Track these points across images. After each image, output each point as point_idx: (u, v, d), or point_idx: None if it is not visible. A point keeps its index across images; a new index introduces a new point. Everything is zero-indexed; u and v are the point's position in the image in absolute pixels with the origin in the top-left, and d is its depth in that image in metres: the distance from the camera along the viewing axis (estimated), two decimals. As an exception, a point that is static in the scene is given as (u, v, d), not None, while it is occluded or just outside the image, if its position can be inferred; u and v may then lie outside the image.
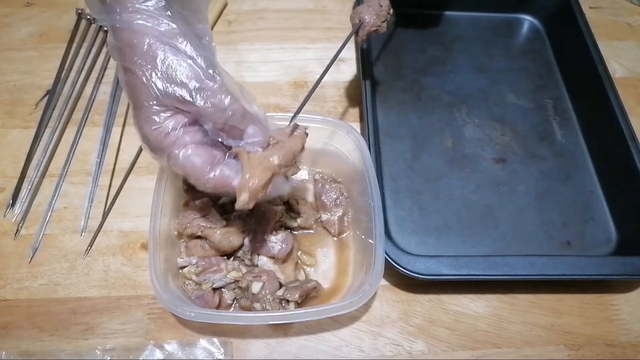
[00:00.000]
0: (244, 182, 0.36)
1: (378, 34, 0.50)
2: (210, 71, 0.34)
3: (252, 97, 0.37)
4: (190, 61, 0.34)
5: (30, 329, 0.45)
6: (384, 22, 0.48)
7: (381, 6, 0.49)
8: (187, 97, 0.34)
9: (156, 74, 0.34)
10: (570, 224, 0.54)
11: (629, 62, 0.69)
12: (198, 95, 0.34)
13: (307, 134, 0.40)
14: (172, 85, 0.34)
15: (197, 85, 0.34)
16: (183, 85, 0.34)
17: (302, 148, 0.39)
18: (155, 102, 0.34)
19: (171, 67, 0.34)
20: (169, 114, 0.35)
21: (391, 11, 0.49)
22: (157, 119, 0.35)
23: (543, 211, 0.55)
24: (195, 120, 0.36)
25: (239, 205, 0.36)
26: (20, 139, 0.56)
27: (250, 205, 0.36)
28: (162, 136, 0.35)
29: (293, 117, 0.43)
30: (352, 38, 0.50)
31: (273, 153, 0.37)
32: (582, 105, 0.62)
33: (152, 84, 0.34)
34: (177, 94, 0.34)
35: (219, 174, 0.36)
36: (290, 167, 0.39)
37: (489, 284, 0.49)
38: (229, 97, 0.35)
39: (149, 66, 0.34)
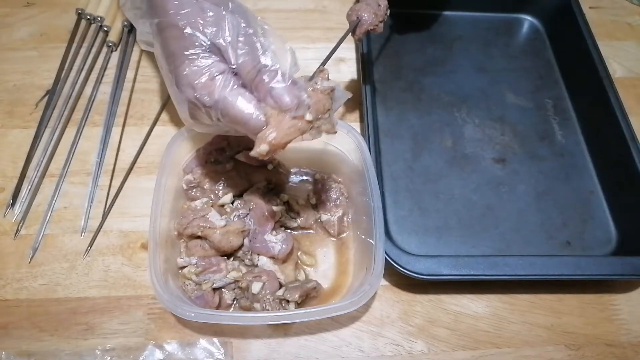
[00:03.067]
0: (266, 134, 0.36)
1: (375, 33, 0.50)
2: (244, 24, 0.37)
3: (292, 61, 0.38)
4: (229, 16, 0.37)
5: (30, 329, 0.45)
6: (381, 21, 0.48)
7: (379, 5, 0.48)
8: (224, 44, 0.36)
9: (200, 24, 0.37)
10: (570, 224, 0.54)
11: (629, 62, 0.69)
12: (234, 43, 0.36)
13: (333, 89, 0.39)
14: (214, 33, 0.37)
15: (235, 34, 0.37)
16: (222, 32, 0.36)
17: (330, 105, 0.39)
18: (199, 51, 0.36)
19: (212, 18, 0.37)
20: (212, 61, 0.36)
21: (388, 12, 0.49)
22: (201, 65, 0.36)
23: (543, 211, 0.55)
24: (235, 73, 0.37)
25: (254, 152, 0.36)
26: (20, 139, 0.56)
27: (267, 157, 0.36)
28: (209, 81, 0.36)
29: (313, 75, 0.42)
30: (351, 37, 0.50)
31: (300, 112, 0.36)
32: (582, 105, 0.62)
33: (197, 33, 0.36)
34: (217, 41, 0.36)
35: (262, 117, 0.36)
36: (321, 123, 0.38)
37: (489, 284, 0.49)
38: (261, 49, 0.36)
39: (192, 18, 0.37)
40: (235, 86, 0.36)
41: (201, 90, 0.36)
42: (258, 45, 0.37)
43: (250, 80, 0.37)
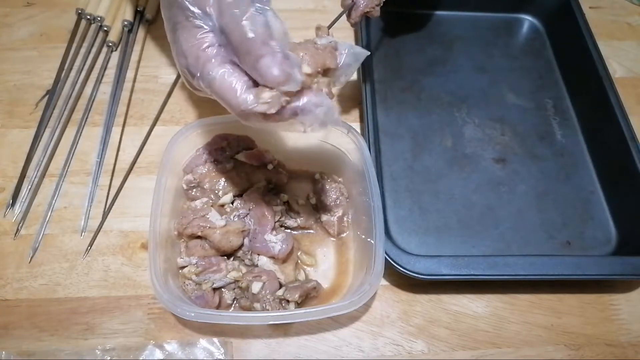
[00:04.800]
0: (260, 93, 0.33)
1: (371, 17, 0.48)
2: None
3: (282, 31, 0.35)
4: None
5: (30, 329, 0.45)
6: (378, 5, 0.46)
7: None
8: (211, 11, 0.35)
9: None
10: (570, 224, 0.54)
11: (629, 62, 0.69)
12: (223, 11, 0.35)
13: (335, 47, 0.37)
14: (204, 4, 0.35)
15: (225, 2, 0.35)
16: (212, 2, 0.35)
17: (334, 64, 0.36)
18: (194, 21, 0.35)
19: None
20: (205, 31, 0.35)
21: None
22: (195, 34, 0.35)
23: (543, 211, 0.55)
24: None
25: (260, 107, 0.33)
26: (20, 139, 0.56)
27: (272, 110, 0.32)
28: (199, 51, 0.35)
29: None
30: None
31: (289, 88, 0.32)
32: (582, 105, 0.62)
33: (189, 3, 0.35)
34: (207, 9, 0.35)
35: (250, 97, 0.34)
36: (322, 83, 0.35)
37: (489, 284, 0.49)
38: (250, 11, 0.34)
39: None
40: (226, 60, 0.35)
41: (190, 61, 0.36)
42: (249, 13, 0.34)
43: (237, 53, 0.34)
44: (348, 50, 0.37)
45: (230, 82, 0.34)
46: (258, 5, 0.34)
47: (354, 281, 0.47)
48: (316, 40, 0.36)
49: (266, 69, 0.32)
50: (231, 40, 0.34)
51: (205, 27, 0.35)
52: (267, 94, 0.32)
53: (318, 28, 0.39)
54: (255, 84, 0.34)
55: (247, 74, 0.34)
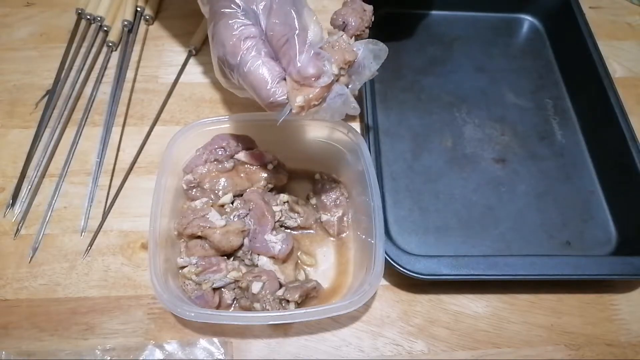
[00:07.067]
0: (294, 94, 0.36)
1: (360, 39, 0.48)
2: None
3: (318, 32, 0.38)
4: None
5: (30, 329, 0.45)
6: (367, 27, 0.46)
7: (365, 10, 0.46)
8: (257, 10, 0.37)
9: None
10: (570, 224, 0.54)
11: (629, 62, 0.69)
12: (268, 10, 0.37)
13: (350, 44, 0.39)
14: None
15: (269, 1, 0.37)
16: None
17: (353, 57, 0.38)
18: (235, 11, 0.37)
19: None
20: (245, 24, 0.37)
21: (373, 18, 0.46)
22: (235, 25, 0.37)
23: (543, 211, 0.55)
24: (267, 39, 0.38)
25: (294, 110, 0.37)
26: (20, 139, 0.56)
27: (302, 114, 0.37)
28: (239, 42, 0.37)
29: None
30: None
31: (322, 83, 0.36)
32: (582, 105, 0.62)
33: None
34: (252, 7, 0.37)
35: (280, 89, 0.37)
36: (342, 75, 0.38)
37: (489, 284, 0.49)
38: (293, 18, 0.37)
39: None
40: (262, 53, 0.37)
41: (228, 49, 0.37)
42: (291, 14, 0.37)
43: (278, 48, 0.37)
44: (365, 46, 0.39)
45: (263, 74, 0.37)
46: (298, 6, 0.37)
47: (354, 281, 0.47)
48: (328, 39, 0.39)
49: (303, 67, 0.36)
50: (274, 40, 0.37)
51: (246, 19, 0.37)
52: (300, 98, 0.36)
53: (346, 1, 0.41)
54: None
55: (280, 66, 0.37)
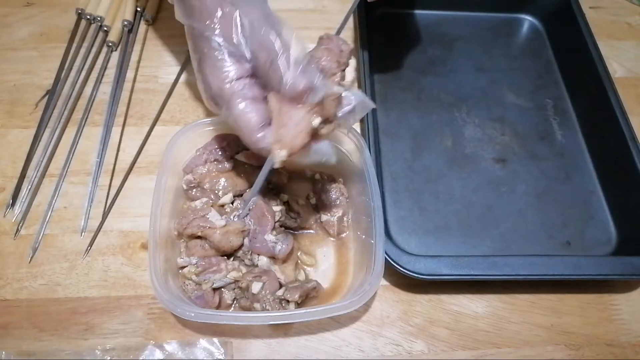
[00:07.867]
0: (277, 134, 0.36)
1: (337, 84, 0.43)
2: (256, 17, 0.37)
3: (302, 49, 0.38)
4: (242, 11, 0.37)
5: (30, 329, 0.45)
6: (343, 70, 0.41)
7: (342, 51, 0.41)
8: (237, 42, 0.37)
9: (214, 24, 0.37)
10: (570, 224, 0.54)
11: (629, 62, 0.69)
12: (248, 39, 0.37)
13: (340, 95, 0.39)
14: (228, 31, 0.37)
15: (248, 29, 0.37)
16: (236, 30, 0.37)
17: (335, 109, 0.38)
18: (218, 52, 0.37)
19: (232, 19, 0.37)
20: (231, 63, 0.37)
21: (352, 59, 0.43)
22: (220, 67, 0.37)
23: (543, 211, 0.55)
24: (254, 74, 0.38)
25: (276, 164, 0.37)
26: (20, 139, 0.56)
27: (285, 158, 0.37)
28: (223, 84, 0.37)
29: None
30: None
31: (312, 100, 0.36)
32: (582, 105, 0.62)
33: (215, 35, 0.37)
34: (233, 39, 0.37)
35: (267, 137, 0.37)
36: (327, 129, 0.38)
37: (489, 284, 0.49)
38: (274, 36, 0.36)
39: (207, 19, 0.37)
40: (249, 96, 0.38)
41: (215, 92, 0.38)
42: (271, 37, 0.37)
43: (265, 72, 0.37)
44: (358, 96, 0.39)
45: (249, 120, 0.37)
46: (276, 27, 0.37)
47: (354, 281, 0.47)
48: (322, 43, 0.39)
49: (292, 84, 0.36)
50: (258, 63, 0.37)
51: (230, 59, 0.38)
52: (284, 153, 0.37)
53: (322, 38, 0.41)
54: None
55: (267, 108, 0.38)
